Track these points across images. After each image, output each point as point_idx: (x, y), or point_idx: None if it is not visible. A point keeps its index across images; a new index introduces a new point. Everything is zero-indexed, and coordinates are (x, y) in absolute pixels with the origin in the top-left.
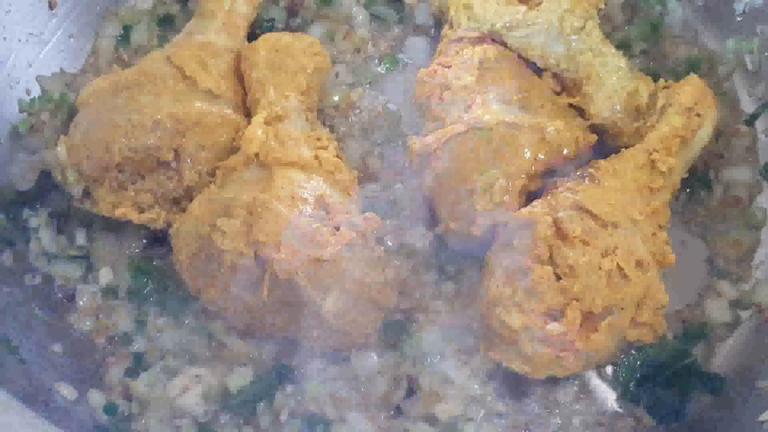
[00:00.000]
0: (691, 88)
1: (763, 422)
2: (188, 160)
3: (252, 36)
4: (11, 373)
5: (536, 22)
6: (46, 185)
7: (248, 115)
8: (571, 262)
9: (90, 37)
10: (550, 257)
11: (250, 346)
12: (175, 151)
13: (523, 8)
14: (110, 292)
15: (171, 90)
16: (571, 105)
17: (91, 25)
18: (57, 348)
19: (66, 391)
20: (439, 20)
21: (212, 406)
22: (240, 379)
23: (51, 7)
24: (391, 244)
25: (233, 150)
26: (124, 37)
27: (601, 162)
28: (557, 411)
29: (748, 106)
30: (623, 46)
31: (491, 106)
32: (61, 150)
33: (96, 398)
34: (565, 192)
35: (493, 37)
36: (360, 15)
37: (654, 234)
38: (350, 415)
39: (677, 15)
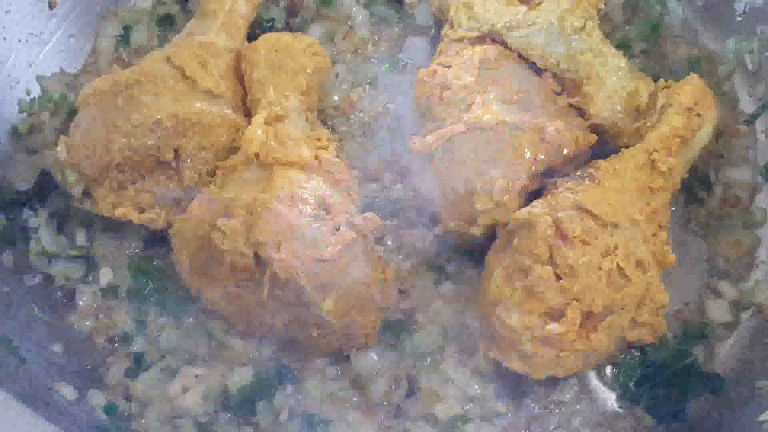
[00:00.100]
0: (691, 88)
1: (763, 422)
2: (188, 160)
3: (252, 36)
4: (11, 373)
5: (536, 22)
6: (46, 185)
7: (248, 115)
8: (571, 262)
9: (90, 37)
10: (550, 257)
11: (250, 346)
12: (175, 151)
13: (523, 8)
14: (110, 292)
15: (171, 90)
16: (571, 105)
17: (91, 25)
18: (57, 348)
19: (66, 391)
20: (439, 20)
21: (212, 406)
22: (240, 379)
23: (51, 7)
24: (391, 244)
25: (233, 150)
26: (124, 37)
27: (601, 162)
28: (557, 411)
29: (748, 106)
30: (623, 46)
31: (491, 106)
32: (61, 150)
33: (96, 398)
34: (565, 192)
35: (494, 37)
36: (360, 15)
37: (654, 234)
38: (350, 415)
39: (677, 15)
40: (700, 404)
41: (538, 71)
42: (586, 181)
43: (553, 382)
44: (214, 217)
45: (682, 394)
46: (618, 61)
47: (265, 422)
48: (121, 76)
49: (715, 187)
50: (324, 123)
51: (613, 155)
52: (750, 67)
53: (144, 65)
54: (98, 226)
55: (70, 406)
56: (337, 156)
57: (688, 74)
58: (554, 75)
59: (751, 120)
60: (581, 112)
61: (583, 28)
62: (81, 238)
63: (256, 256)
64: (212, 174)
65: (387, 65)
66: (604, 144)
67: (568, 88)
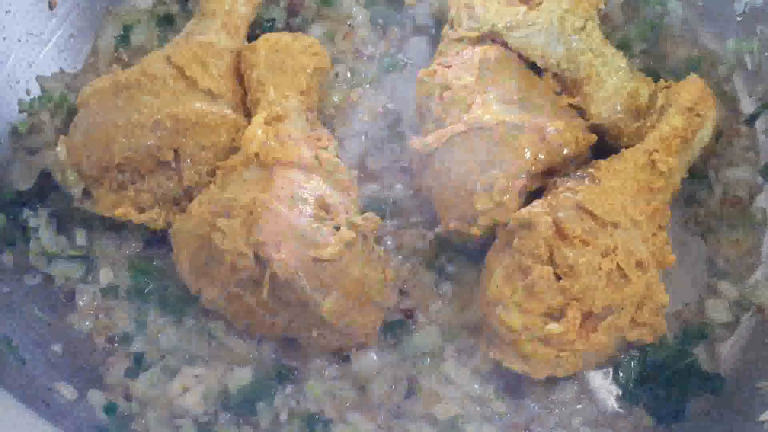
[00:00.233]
0: (691, 88)
1: (763, 422)
2: (188, 160)
3: (252, 36)
4: (11, 373)
5: (536, 22)
6: (46, 185)
7: (248, 115)
8: (571, 262)
9: (90, 37)
10: (550, 257)
11: (250, 346)
12: (175, 151)
13: (523, 8)
14: (110, 292)
15: (171, 90)
16: (571, 105)
17: (91, 25)
18: (57, 348)
19: (66, 391)
20: (439, 20)
21: (212, 406)
22: (240, 379)
23: (51, 7)
24: (390, 244)
25: (233, 150)
26: (124, 37)
27: (601, 162)
28: (557, 411)
29: (748, 106)
30: (623, 46)
31: (491, 106)
32: (61, 150)
33: (96, 398)
34: (565, 192)
35: (494, 37)
36: (360, 15)
37: (654, 234)
38: (350, 415)
39: (677, 15)
40: (700, 404)
41: (539, 71)
42: (586, 181)
43: (553, 382)
44: (214, 217)
45: (682, 394)
46: (618, 61)
47: (265, 422)
48: (121, 76)
49: (715, 187)
50: (324, 123)
51: (613, 155)
52: (750, 67)
53: (144, 65)
54: (98, 226)
55: (70, 406)
56: (337, 156)
57: (688, 74)
58: (554, 75)
59: (751, 120)
60: (581, 112)
61: (583, 28)
62: (81, 238)
63: (256, 256)
64: (212, 174)
65: (387, 65)
66: (604, 144)
67: (568, 88)
